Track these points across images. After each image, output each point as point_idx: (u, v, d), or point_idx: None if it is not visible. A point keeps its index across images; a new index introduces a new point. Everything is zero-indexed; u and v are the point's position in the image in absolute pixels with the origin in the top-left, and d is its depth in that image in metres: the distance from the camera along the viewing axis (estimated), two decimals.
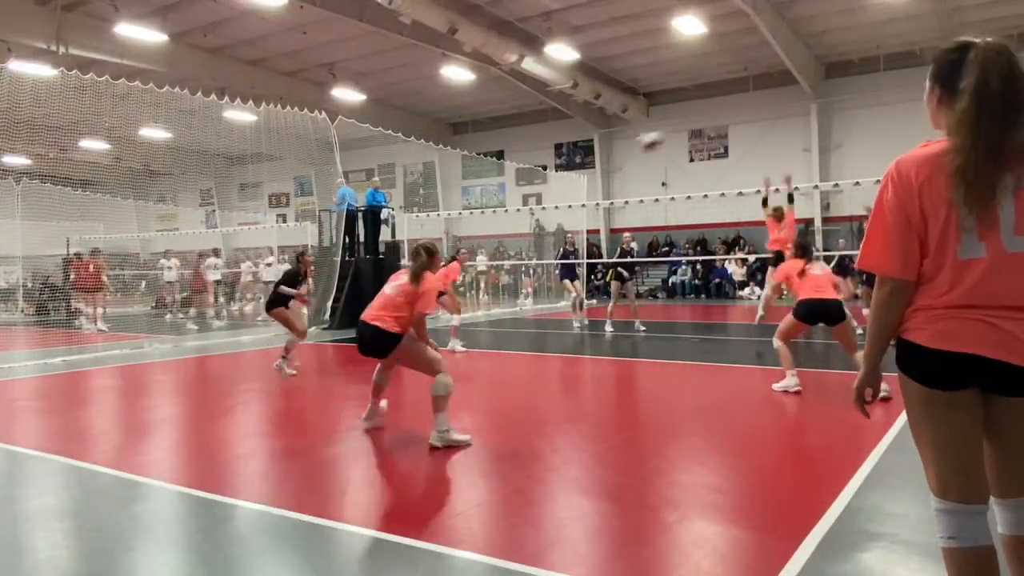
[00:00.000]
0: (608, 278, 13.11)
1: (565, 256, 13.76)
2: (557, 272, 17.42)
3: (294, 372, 7.96)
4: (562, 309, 14.25)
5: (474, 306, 20.77)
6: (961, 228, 1.88)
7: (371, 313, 5.12)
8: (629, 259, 12.43)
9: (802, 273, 6.80)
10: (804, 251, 7.09)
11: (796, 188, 12.34)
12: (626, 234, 13.26)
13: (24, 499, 3.95)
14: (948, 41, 2.04)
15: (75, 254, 18.17)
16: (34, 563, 3.05)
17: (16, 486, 4.21)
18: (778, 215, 10.96)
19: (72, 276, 16.82)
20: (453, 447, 4.81)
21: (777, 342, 6.88)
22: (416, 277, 5.11)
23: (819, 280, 6.80)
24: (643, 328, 12.05)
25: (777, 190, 11.84)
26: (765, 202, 11.39)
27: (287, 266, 18.78)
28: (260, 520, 3.53)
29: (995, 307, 1.88)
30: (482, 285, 24.16)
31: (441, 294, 9.45)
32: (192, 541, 3.28)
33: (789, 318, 6.82)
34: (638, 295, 14.37)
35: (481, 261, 24.34)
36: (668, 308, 19.60)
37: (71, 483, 4.24)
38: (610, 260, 15.10)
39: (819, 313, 6.73)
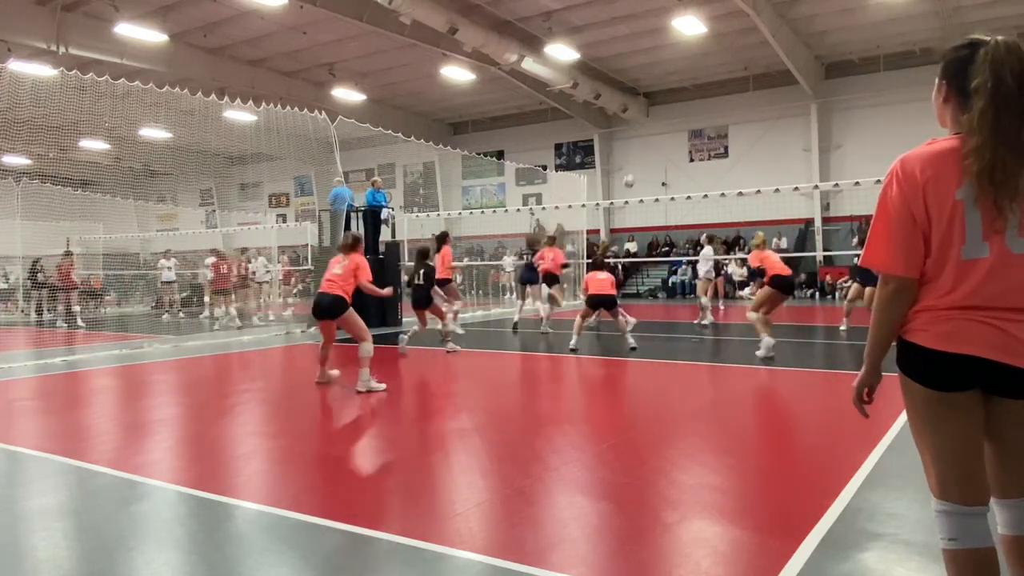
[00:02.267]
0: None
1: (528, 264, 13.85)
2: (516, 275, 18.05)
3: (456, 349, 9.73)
4: (562, 310, 14.21)
5: (474, 306, 20.75)
6: (991, 228, 1.85)
7: (325, 286, 7.03)
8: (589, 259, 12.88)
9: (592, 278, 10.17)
10: (595, 265, 10.44)
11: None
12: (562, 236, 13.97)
13: (24, 499, 3.95)
14: (957, 38, 2.00)
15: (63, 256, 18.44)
16: (34, 563, 3.05)
17: (16, 486, 4.20)
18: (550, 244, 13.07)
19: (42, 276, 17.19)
20: (374, 392, 6.73)
21: (577, 319, 10.13)
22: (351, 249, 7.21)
23: (602, 282, 9.98)
24: (550, 330, 12.61)
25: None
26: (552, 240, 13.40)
27: (278, 266, 18.87)
28: (260, 520, 3.53)
29: (997, 308, 1.87)
30: (505, 284, 24.21)
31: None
32: (192, 541, 3.28)
33: (584, 308, 10.23)
34: (638, 294, 14.48)
35: (508, 261, 24.37)
36: (668, 308, 19.61)
37: (71, 483, 4.24)
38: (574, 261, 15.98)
39: (599, 303, 9.97)
